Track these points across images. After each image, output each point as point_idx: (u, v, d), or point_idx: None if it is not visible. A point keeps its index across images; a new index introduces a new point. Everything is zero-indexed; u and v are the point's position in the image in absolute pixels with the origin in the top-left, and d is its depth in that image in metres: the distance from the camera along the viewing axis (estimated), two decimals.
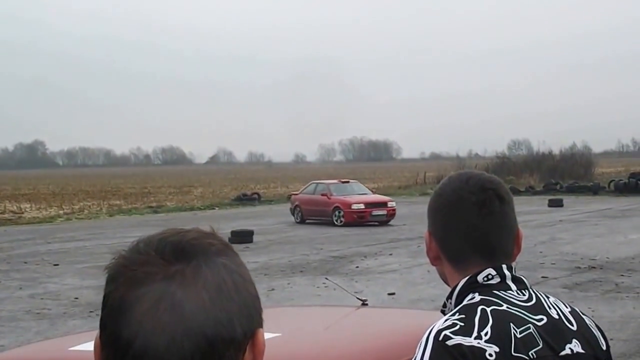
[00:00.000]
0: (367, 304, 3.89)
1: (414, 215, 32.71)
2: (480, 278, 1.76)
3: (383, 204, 30.84)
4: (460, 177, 1.85)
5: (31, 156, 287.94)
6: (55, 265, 19.10)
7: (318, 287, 14.04)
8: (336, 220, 29.90)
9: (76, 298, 14.15)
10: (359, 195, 31.43)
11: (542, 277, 15.01)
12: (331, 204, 30.50)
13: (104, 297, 1.06)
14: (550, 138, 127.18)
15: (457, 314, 1.70)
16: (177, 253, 1.04)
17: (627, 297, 12.88)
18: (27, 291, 15.10)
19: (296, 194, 33.73)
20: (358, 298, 3.93)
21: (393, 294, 13.65)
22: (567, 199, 39.01)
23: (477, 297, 1.73)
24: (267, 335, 1.12)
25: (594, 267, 16.23)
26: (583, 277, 15.05)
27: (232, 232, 22.64)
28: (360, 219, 29.68)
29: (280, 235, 25.16)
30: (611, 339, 10.23)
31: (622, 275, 15.04)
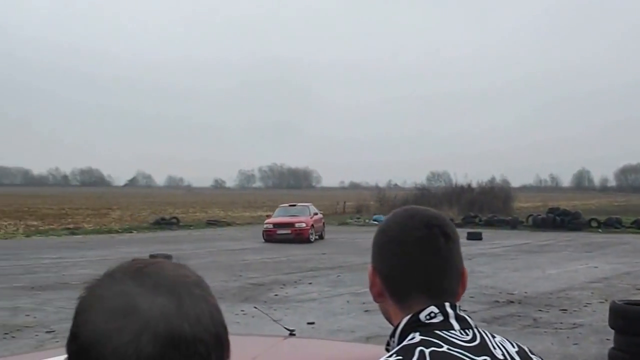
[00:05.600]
0: (294, 334, 3.73)
1: (333, 244, 32.71)
2: (422, 316, 1.69)
3: (289, 225, 35.37)
4: (406, 212, 1.79)
5: None
6: None
7: (237, 315, 13.78)
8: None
9: None
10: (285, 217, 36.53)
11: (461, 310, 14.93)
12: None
13: (76, 329, 1.03)
14: (470, 172, 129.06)
15: (395, 354, 1.62)
16: (157, 285, 1.06)
17: (545, 332, 12.90)
18: None
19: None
20: (285, 328, 3.75)
21: (312, 323, 13.43)
22: (486, 233, 39.39)
23: (417, 338, 1.64)
24: None
25: (512, 302, 16.27)
26: (502, 311, 15.07)
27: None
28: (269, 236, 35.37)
29: (198, 261, 24.61)
30: None
31: (541, 310, 15.11)
